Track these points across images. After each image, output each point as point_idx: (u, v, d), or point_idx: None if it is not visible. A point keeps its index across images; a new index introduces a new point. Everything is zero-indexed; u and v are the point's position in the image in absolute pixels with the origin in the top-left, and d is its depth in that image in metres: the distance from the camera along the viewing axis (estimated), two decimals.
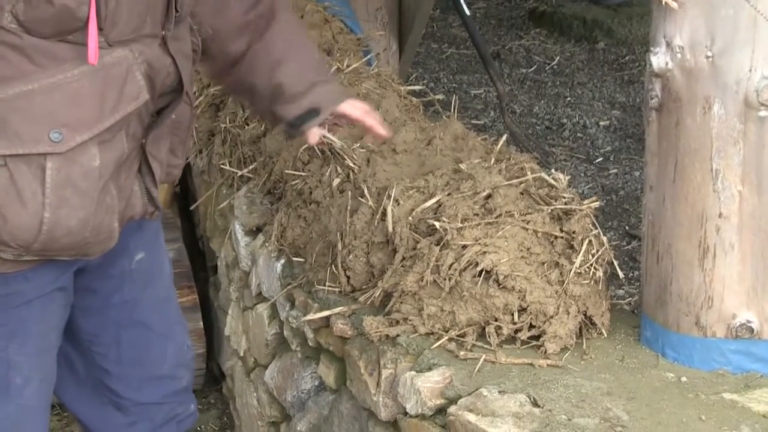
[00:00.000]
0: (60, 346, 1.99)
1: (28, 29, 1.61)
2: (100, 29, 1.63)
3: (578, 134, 5.00)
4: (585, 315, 2.23)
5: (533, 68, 5.85)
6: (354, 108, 2.20)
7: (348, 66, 3.25)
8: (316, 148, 2.76)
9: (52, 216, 1.68)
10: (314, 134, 2.18)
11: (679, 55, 2.00)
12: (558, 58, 5.93)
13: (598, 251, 2.24)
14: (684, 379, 2.09)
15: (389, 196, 2.42)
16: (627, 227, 3.82)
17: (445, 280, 2.20)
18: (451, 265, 2.20)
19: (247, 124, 3.28)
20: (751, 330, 2.08)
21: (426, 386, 2.13)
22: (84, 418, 2.18)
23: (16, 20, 1.60)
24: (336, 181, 2.66)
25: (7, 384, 1.86)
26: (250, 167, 3.17)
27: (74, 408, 2.18)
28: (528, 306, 2.18)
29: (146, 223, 2.00)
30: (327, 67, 2.25)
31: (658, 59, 2.03)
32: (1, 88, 1.63)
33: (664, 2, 1.97)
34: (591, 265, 2.21)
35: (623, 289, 2.80)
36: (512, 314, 2.19)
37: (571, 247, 2.24)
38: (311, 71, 2.12)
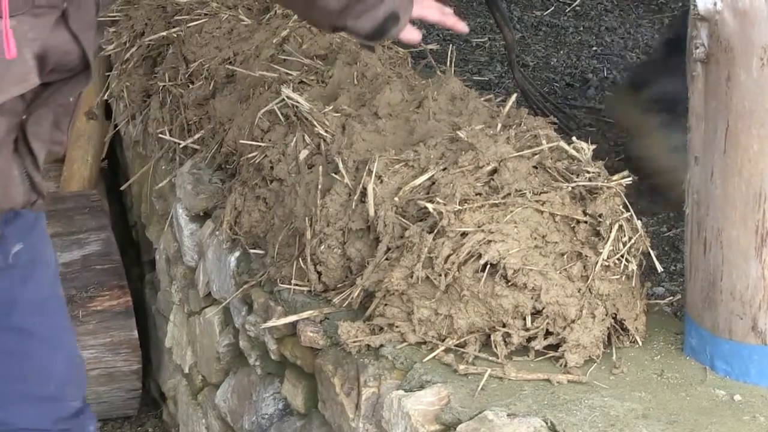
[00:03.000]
0: None
1: None
2: None
3: (607, 92, 5.01)
4: (615, 318, 2.24)
5: (550, 10, 5.84)
6: (430, 10, 2.48)
7: None
8: (278, 112, 2.76)
9: None
10: (411, 32, 2.46)
11: None
12: None
13: (630, 239, 2.25)
14: (738, 397, 2.11)
15: (370, 172, 2.43)
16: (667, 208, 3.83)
17: (440, 276, 2.21)
18: (447, 257, 2.21)
19: (192, 82, 3.28)
20: None
21: (417, 409, 2.14)
22: None
23: None
24: (304, 154, 2.67)
25: None
26: (196, 136, 3.18)
27: None
28: (544, 308, 2.19)
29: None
30: None
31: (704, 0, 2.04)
32: None
33: None
34: (622, 256, 2.22)
35: (663, 287, 2.80)
36: (524, 318, 2.20)
37: (597, 234, 2.25)
38: None
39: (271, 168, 2.71)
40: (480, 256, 2.20)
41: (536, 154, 2.36)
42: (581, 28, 5.67)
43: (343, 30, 2.39)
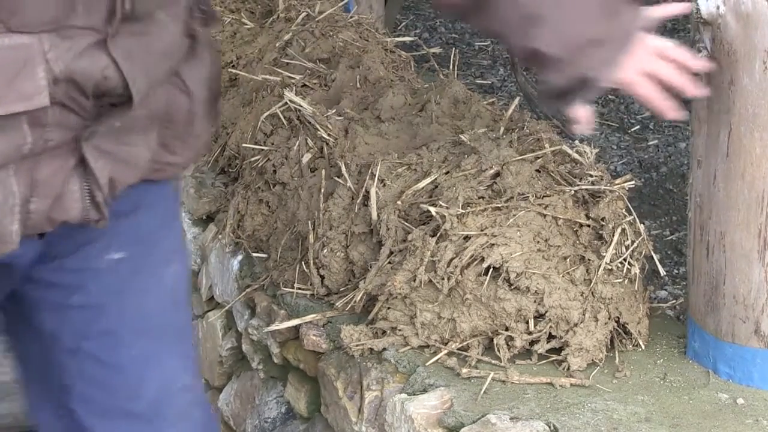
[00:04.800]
0: (24, 342, 1.99)
1: None
2: None
3: (609, 95, 5.00)
4: (617, 322, 2.25)
5: None
6: (640, 85, 2.04)
7: (320, 12, 3.26)
8: (281, 115, 2.77)
9: None
10: (580, 116, 2.06)
11: None
12: None
13: (633, 243, 2.25)
14: (741, 401, 2.11)
15: (373, 176, 2.43)
16: (670, 212, 3.84)
17: (443, 279, 2.21)
18: (450, 261, 2.21)
19: None
20: None
21: (420, 412, 2.14)
22: None
23: None
24: (306, 157, 2.67)
25: None
26: None
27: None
28: (546, 311, 2.19)
29: (142, 211, 1.97)
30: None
31: (708, 3, 2.04)
32: None
33: None
34: (625, 259, 2.23)
35: (666, 290, 2.81)
36: (527, 322, 2.21)
37: (600, 237, 2.25)
38: (579, 22, 2.01)
39: (274, 171, 2.72)
40: (483, 259, 2.20)
41: (539, 158, 2.36)
42: None
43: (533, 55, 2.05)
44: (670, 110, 2.05)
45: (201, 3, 1.95)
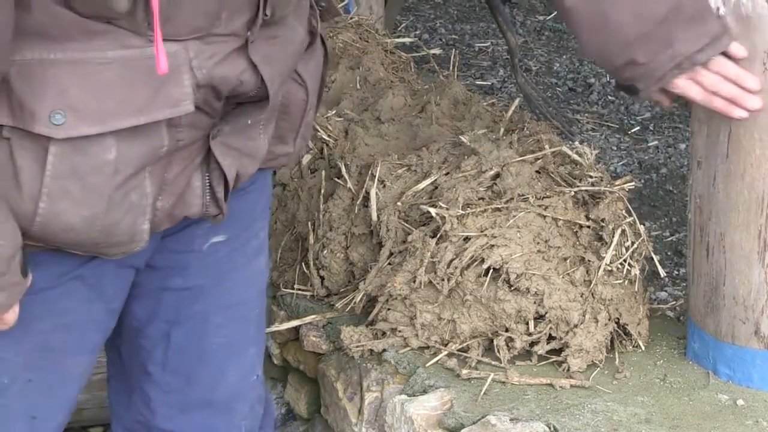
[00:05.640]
0: (110, 329, 2.01)
1: (68, 4, 1.64)
2: (148, 23, 1.64)
3: (609, 97, 5.01)
4: (617, 323, 2.25)
5: (553, 14, 5.85)
6: (689, 86, 2.07)
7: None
8: None
9: (49, 207, 1.70)
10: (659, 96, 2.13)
11: (733, 1, 2.02)
12: None
13: (633, 244, 2.25)
14: (741, 402, 2.11)
15: (373, 177, 2.43)
16: (670, 213, 3.84)
17: (443, 280, 2.21)
18: (450, 261, 2.21)
19: None
20: None
21: (420, 413, 2.14)
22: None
23: None
24: (306, 158, 2.67)
25: None
26: None
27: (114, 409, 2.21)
28: (547, 312, 2.19)
29: (245, 197, 2.00)
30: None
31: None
32: (21, 48, 1.65)
33: None
34: (625, 260, 2.23)
35: (666, 291, 2.81)
36: (527, 323, 2.21)
37: (600, 238, 2.25)
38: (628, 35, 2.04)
39: (274, 172, 2.71)
40: (483, 260, 2.20)
41: (539, 159, 2.36)
42: None
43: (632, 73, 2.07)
44: (732, 109, 2.05)
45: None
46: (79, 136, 1.67)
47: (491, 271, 2.20)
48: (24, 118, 1.66)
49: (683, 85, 2.04)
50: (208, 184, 1.86)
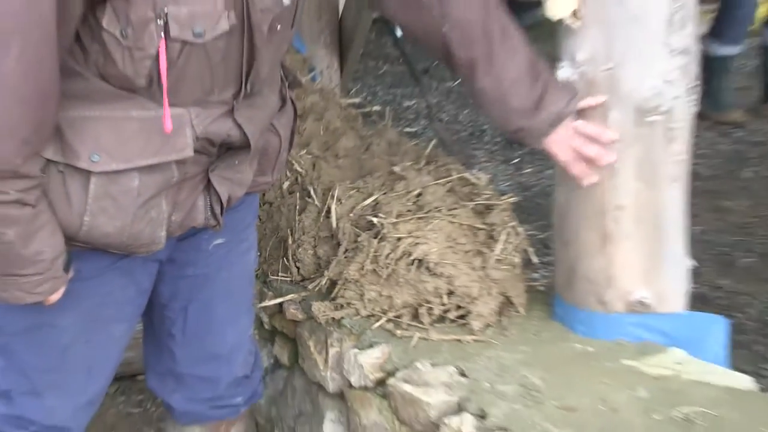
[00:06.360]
0: (144, 305, 2.00)
1: (102, 76, 1.64)
2: (159, 94, 1.64)
3: (497, 139, 5.03)
4: (504, 296, 2.25)
5: (457, 82, 5.87)
6: (562, 149, 2.02)
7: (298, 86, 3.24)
8: None
9: (91, 220, 1.70)
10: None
11: (581, 69, 2.02)
12: None
13: (515, 240, 2.25)
14: (590, 349, 2.11)
15: (333, 196, 2.42)
16: (540, 219, 3.86)
17: (383, 268, 2.21)
18: (387, 255, 2.21)
19: None
20: (646, 305, 2.10)
21: (368, 362, 2.14)
22: (151, 384, 2.20)
23: (96, 67, 1.63)
24: (286, 184, 2.66)
25: (56, 341, 1.88)
26: None
27: (146, 360, 2.21)
28: (455, 289, 2.19)
29: (237, 212, 1.99)
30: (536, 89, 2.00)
31: (564, 72, 2.04)
32: (70, 106, 1.65)
33: (566, 23, 1.99)
34: (509, 252, 2.23)
35: (538, 273, 2.81)
36: (441, 297, 2.20)
37: (492, 237, 2.25)
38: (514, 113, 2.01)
39: (263, 195, 2.70)
40: (410, 254, 2.19)
41: (449, 182, 2.36)
42: None
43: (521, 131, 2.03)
44: (586, 176, 2.04)
45: (288, 74, 2.00)
46: (110, 170, 1.67)
47: (416, 261, 2.19)
48: (71, 157, 1.66)
49: (557, 150, 2.03)
50: (209, 204, 1.86)
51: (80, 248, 1.76)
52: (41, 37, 1.49)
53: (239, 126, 1.77)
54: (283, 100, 1.95)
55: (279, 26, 1.71)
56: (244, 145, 1.81)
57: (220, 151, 1.81)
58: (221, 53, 1.64)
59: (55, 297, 1.75)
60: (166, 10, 1.55)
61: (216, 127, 1.74)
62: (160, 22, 1.55)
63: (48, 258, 1.68)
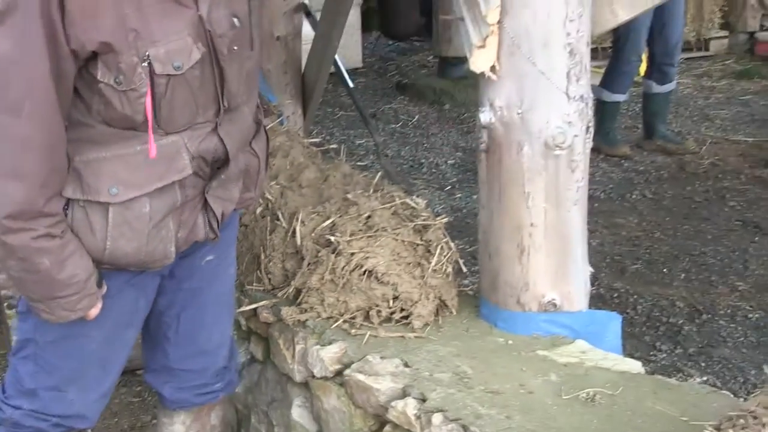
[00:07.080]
0: (147, 312, 1.97)
1: (106, 122, 1.64)
2: (158, 125, 1.64)
3: (433, 170, 5.05)
4: (440, 299, 2.24)
5: (400, 124, 5.90)
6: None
7: (266, 126, 3.21)
8: None
9: (112, 244, 1.70)
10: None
11: (499, 113, 2.03)
12: (417, 116, 6.00)
13: (448, 254, 2.25)
14: (510, 342, 2.12)
15: (297, 219, 2.40)
16: (469, 235, 3.87)
17: (339, 278, 2.19)
18: (343, 267, 2.19)
19: None
20: (555, 305, 2.12)
21: (328, 356, 2.11)
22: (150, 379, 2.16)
23: (99, 115, 1.63)
24: (259, 209, 2.63)
25: (84, 348, 1.87)
26: None
27: (144, 356, 2.16)
28: (399, 295, 2.18)
29: (224, 232, 1.96)
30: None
31: (485, 116, 2.06)
32: (83, 152, 1.65)
33: (486, 75, 2.01)
34: (443, 263, 2.23)
35: (468, 280, 2.82)
36: (388, 301, 2.19)
37: (429, 251, 2.25)
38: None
39: (240, 218, 2.66)
40: (362, 266, 2.18)
41: (393, 206, 2.35)
42: (417, 134, 5.73)
43: None
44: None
45: (263, 102, 2.00)
46: (126, 199, 1.66)
47: (367, 272, 2.18)
48: (92, 193, 1.66)
49: None
50: (207, 221, 1.86)
51: (105, 269, 1.75)
52: (45, 97, 1.53)
53: (221, 140, 1.76)
54: (258, 125, 1.96)
55: (236, 47, 1.71)
56: (227, 159, 1.79)
57: (212, 171, 1.80)
58: (198, 80, 1.65)
59: (95, 312, 1.76)
60: (147, 53, 1.56)
61: (205, 145, 1.74)
62: (145, 64, 1.57)
63: (82, 278, 1.68)
